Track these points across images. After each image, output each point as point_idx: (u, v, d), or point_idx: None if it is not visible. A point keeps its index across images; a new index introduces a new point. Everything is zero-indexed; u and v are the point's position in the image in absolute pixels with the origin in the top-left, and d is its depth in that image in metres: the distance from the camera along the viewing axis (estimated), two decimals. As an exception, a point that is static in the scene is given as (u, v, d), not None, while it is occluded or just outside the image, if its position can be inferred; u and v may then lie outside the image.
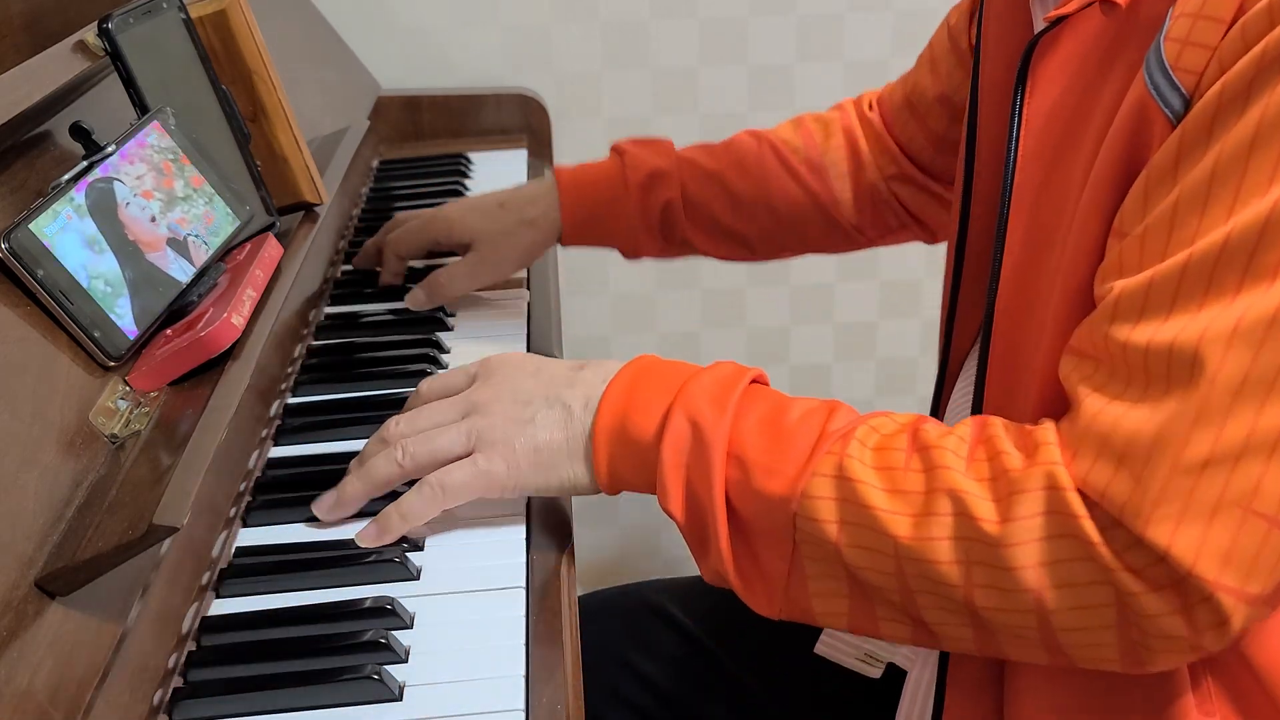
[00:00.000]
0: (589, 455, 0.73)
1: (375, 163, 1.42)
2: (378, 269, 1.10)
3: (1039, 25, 0.77)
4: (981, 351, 0.77)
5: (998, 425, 0.66)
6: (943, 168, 1.07)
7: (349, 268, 1.15)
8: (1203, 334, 0.58)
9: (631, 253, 1.11)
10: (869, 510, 0.65)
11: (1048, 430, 0.64)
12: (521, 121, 1.53)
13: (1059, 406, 0.67)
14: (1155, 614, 0.60)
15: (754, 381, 0.73)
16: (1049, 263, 0.71)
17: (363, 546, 0.73)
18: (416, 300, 1.03)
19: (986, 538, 0.62)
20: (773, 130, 1.13)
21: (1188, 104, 0.61)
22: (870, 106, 1.13)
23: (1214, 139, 0.59)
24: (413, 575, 0.72)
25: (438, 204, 1.29)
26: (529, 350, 1.00)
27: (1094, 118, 0.69)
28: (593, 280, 1.69)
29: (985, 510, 0.62)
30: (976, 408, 0.77)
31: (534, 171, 1.42)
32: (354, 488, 0.75)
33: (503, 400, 0.74)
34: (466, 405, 0.75)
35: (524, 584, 0.72)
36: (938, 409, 0.94)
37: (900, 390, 1.85)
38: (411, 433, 0.75)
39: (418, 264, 1.12)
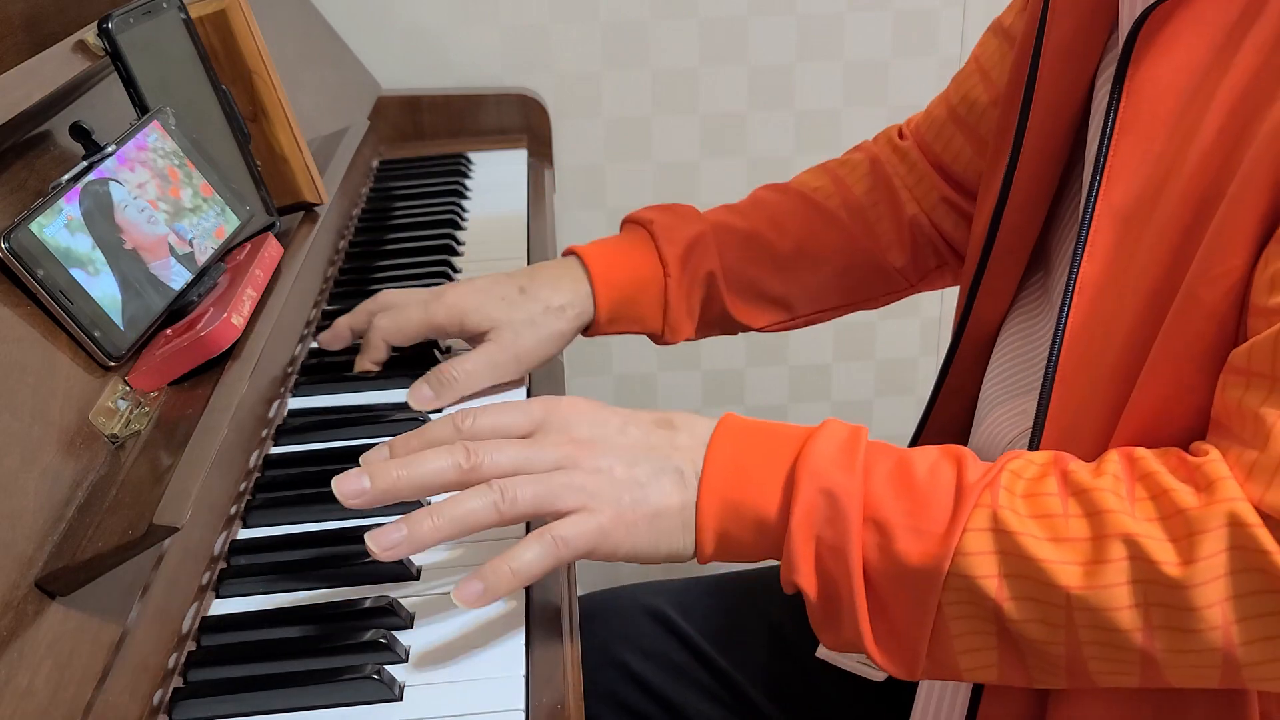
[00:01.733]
0: (693, 526, 0.68)
1: (375, 163, 1.43)
2: (351, 346, 0.97)
3: None
4: (1059, 323, 0.74)
5: (1151, 460, 0.64)
6: None
7: (349, 268, 1.15)
8: None
9: (668, 337, 0.99)
10: (1033, 562, 0.62)
11: (1217, 463, 0.62)
12: (521, 121, 1.53)
13: (1136, 383, 0.66)
14: None
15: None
16: (1140, 236, 0.70)
17: (461, 605, 0.65)
18: (422, 399, 0.90)
19: (1168, 580, 0.60)
20: (795, 181, 1.06)
21: None
22: (900, 135, 1.07)
23: None
24: (412, 575, 0.73)
25: (438, 204, 1.30)
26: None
27: (1211, 98, 0.66)
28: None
29: (1164, 553, 0.60)
30: (1049, 379, 0.74)
31: (534, 172, 1.42)
32: (433, 527, 0.65)
33: (607, 457, 0.68)
34: (559, 456, 0.68)
35: (524, 584, 0.72)
36: (944, 377, 0.93)
37: (900, 390, 1.85)
38: (496, 471, 0.67)
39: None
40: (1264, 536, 0.59)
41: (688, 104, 1.65)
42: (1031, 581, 0.63)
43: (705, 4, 1.59)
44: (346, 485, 0.66)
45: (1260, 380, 0.61)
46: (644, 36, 1.60)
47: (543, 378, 0.96)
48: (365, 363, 0.94)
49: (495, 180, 1.40)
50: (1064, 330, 0.73)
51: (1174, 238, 0.67)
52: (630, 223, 1.01)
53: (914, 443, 0.97)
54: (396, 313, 0.94)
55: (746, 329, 1.04)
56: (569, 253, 0.98)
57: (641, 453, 0.69)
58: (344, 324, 0.97)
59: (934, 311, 1.80)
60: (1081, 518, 0.63)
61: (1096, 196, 0.72)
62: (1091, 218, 0.73)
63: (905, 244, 1.04)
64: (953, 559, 0.63)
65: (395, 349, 0.95)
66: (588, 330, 0.97)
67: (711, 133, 1.67)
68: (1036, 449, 0.75)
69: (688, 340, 1.01)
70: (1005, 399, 0.87)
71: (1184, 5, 0.69)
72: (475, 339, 0.93)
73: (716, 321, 1.02)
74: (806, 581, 0.66)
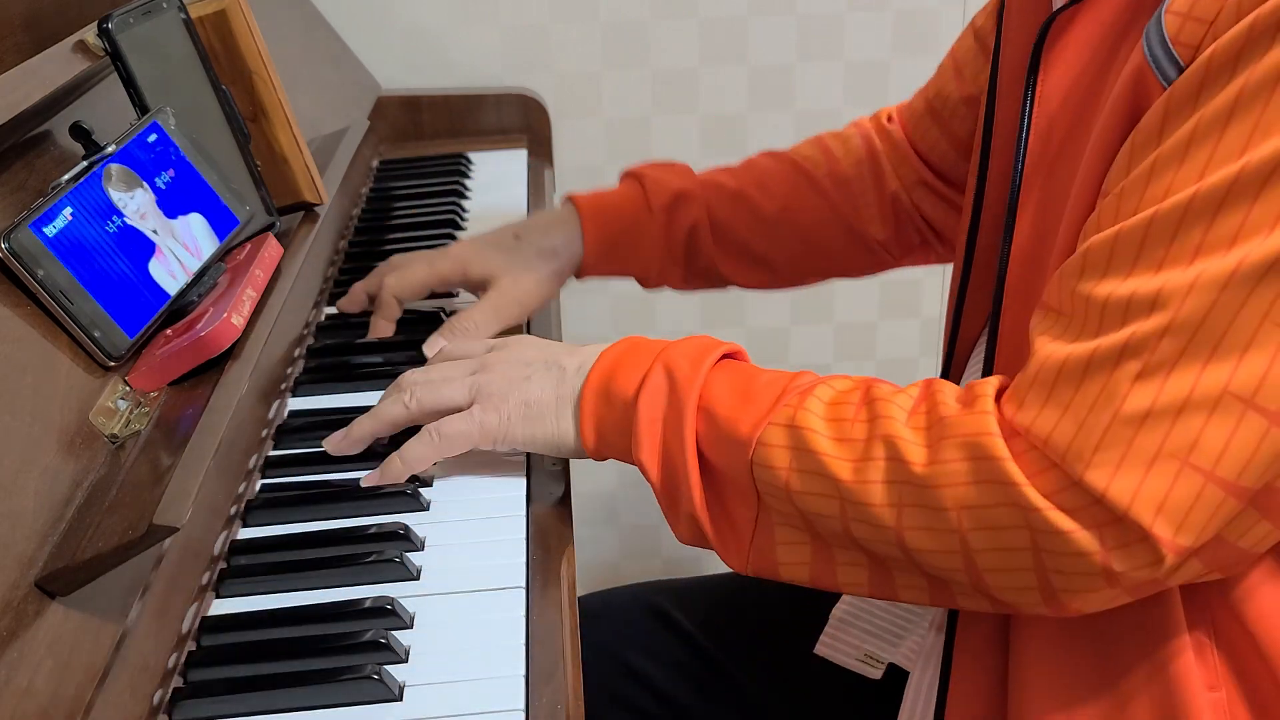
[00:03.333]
0: (576, 414, 0.77)
1: (375, 163, 1.43)
2: (368, 310, 1.02)
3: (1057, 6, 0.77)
4: (990, 332, 0.77)
5: (943, 385, 0.69)
6: (963, 175, 1.05)
7: (349, 268, 1.15)
8: (1159, 290, 0.60)
9: (653, 281, 1.07)
10: (816, 455, 0.68)
11: (988, 384, 0.67)
12: (521, 121, 1.53)
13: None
14: (1084, 551, 0.62)
15: (732, 356, 0.77)
16: (1055, 242, 0.72)
17: (366, 486, 0.79)
18: (439, 349, 0.95)
19: (915, 479, 0.65)
20: (790, 149, 1.11)
21: None
22: (889, 119, 1.11)
23: (1198, 104, 0.61)
24: (413, 575, 0.72)
25: (438, 204, 1.30)
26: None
27: (1103, 97, 0.69)
28: (593, 280, 1.69)
29: (915, 454, 0.65)
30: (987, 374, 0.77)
31: (534, 172, 1.42)
32: (363, 426, 0.81)
33: (507, 361, 0.80)
34: (475, 364, 0.81)
35: (524, 584, 0.72)
36: None
37: (900, 390, 1.85)
38: (423, 382, 0.80)
39: (423, 305, 1.03)
40: (997, 445, 0.63)
41: (688, 104, 1.65)
42: (814, 475, 0.68)
43: (705, 4, 1.59)
44: (333, 439, 0.82)
45: (1048, 314, 0.66)
46: (644, 36, 1.60)
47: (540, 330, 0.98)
48: (379, 321, 1.00)
49: (495, 180, 1.40)
50: (995, 339, 0.77)
51: (1072, 240, 0.69)
52: (627, 175, 1.07)
53: None
54: (404, 270, 1.00)
55: (731, 285, 1.11)
56: (567, 199, 1.06)
57: (539, 356, 0.80)
58: (359, 288, 1.03)
59: (934, 311, 1.80)
60: (864, 422, 0.68)
61: (1016, 208, 0.75)
62: (1012, 231, 0.76)
63: (888, 219, 1.08)
64: (755, 448, 0.69)
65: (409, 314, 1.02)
66: (580, 273, 1.04)
67: (711, 133, 1.66)
68: None
69: (675, 289, 1.09)
70: None
71: (1082, 14, 0.72)
72: (479, 287, 1.00)
73: (704, 273, 1.08)
74: (650, 460, 0.73)
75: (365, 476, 0.79)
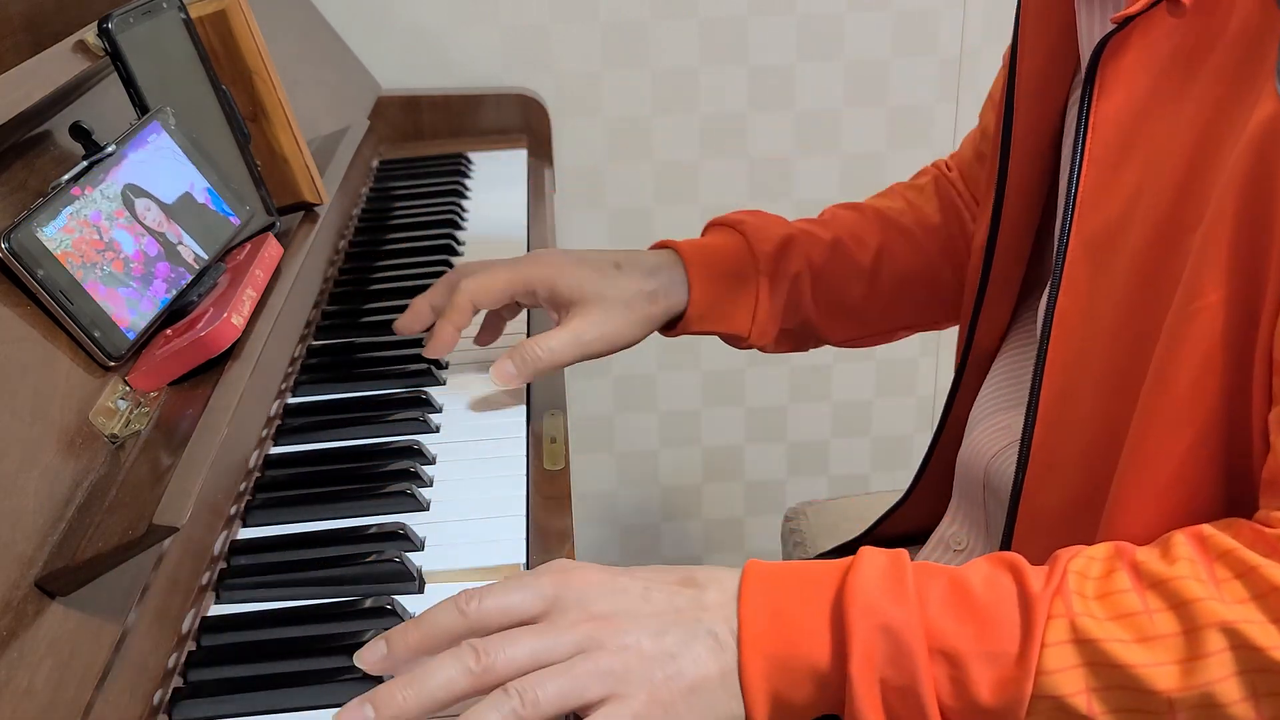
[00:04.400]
0: (741, 688, 0.61)
1: (375, 163, 1.43)
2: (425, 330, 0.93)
3: (1096, 26, 0.75)
4: (1039, 355, 0.74)
5: (1223, 536, 0.60)
6: None
7: (349, 268, 1.15)
8: None
9: (753, 339, 0.96)
10: (1125, 669, 0.58)
11: None
12: (521, 121, 1.53)
13: (1121, 408, 0.66)
14: None
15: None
16: (1111, 266, 0.70)
17: None
18: (505, 375, 0.87)
19: (1276, 666, 0.56)
20: (867, 202, 1.05)
21: None
22: (948, 167, 1.07)
23: None
24: (413, 577, 0.72)
25: (438, 204, 1.30)
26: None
27: (1173, 125, 0.66)
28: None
29: (1268, 636, 0.56)
30: (1032, 412, 0.75)
31: (534, 172, 1.42)
32: None
33: (633, 632, 0.61)
34: (578, 639, 0.60)
35: (524, 584, 0.72)
36: (949, 409, 0.94)
37: (900, 391, 1.85)
38: (512, 669, 0.59)
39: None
40: None
41: (688, 104, 1.65)
42: (1126, 691, 0.58)
43: (705, 4, 1.59)
44: (351, 718, 0.59)
45: None
46: (644, 36, 1.60)
47: (542, 386, 0.95)
48: (446, 327, 0.89)
49: (495, 180, 1.40)
50: (1044, 363, 0.73)
51: (1146, 268, 0.67)
52: (719, 225, 0.98)
53: (922, 469, 0.98)
54: (484, 274, 0.90)
55: (821, 342, 1.03)
56: (660, 246, 0.95)
57: (669, 620, 0.62)
58: (422, 302, 0.92)
59: (934, 311, 1.80)
60: (1166, 611, 0.58)
61: (1070, 229, 0.72)
62: (1066, 250, 0.72)
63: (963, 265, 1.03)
64: (1035, 680, 0.58)
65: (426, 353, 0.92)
66: (673, 326, 0.93)
67: (711, 133, 1.66)
68: (1023, 475, 0.75)
69: (764, 349, 0.98)
70: (992, 413, 0.87)
71: (1139, 34, 0.69)
72: (560, 307, 0.90)
73: (795, 332, 1.00)
74: None
75: None
